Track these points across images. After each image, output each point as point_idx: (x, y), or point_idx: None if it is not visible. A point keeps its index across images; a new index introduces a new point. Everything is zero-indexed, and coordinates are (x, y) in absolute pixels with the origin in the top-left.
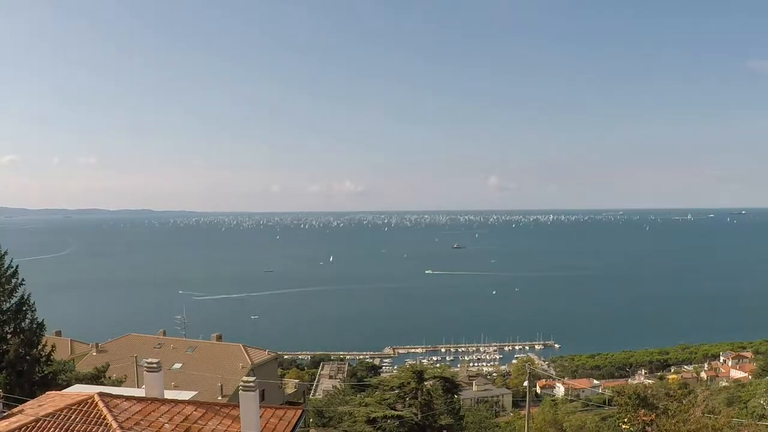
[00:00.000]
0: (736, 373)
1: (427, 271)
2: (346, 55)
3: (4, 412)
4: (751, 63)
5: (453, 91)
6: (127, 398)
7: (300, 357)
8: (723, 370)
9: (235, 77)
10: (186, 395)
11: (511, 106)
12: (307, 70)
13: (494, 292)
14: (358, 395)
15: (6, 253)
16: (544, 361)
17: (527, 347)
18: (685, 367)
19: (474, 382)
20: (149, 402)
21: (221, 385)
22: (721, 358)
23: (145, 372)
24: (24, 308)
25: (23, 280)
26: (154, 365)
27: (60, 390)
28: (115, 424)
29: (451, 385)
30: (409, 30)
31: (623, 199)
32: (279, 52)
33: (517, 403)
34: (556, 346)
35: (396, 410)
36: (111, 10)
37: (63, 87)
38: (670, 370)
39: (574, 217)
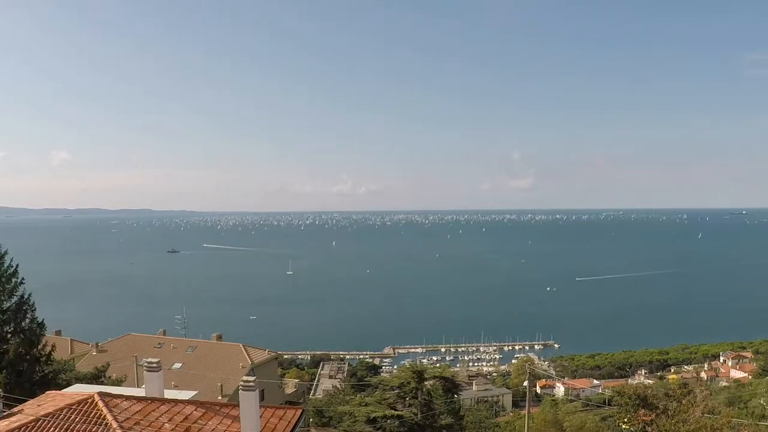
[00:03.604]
0: (736, 373)
1: None
2: (349, 54)
3: (4, 411)
4: (752, 62)
5: (454, 91)
6: (127, 398)
7: (300, 357)
8: (723, 370)
9: (237, 76)
10: (186, 395)
11: (512, 106)
12: (309, 69)
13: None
14: (358, 395)
15: (6, 252)
16: (544, 361)
17: (527, 347)
18: (685, 367)
19: (474, 382)
20: (149, 402)
21: (221, 385)
22: (721, 358)
23: (145, 372)
24: (24, 308)
25: (23, 279)
26: (154, 365)
27: (60, 390)
28: (115, 424)
29: (451, 385)
30: (410, 30)
31: (621, 198)
32: (281, 51)
33: (517, 403)
34: (556, 346)
35: (396, 410)
36: (113, 7)
37: (63, 85)
38: (670, 370)
39: (574, 216)
